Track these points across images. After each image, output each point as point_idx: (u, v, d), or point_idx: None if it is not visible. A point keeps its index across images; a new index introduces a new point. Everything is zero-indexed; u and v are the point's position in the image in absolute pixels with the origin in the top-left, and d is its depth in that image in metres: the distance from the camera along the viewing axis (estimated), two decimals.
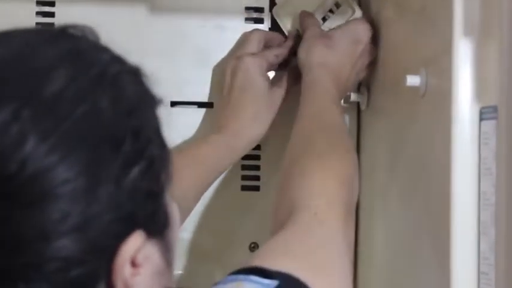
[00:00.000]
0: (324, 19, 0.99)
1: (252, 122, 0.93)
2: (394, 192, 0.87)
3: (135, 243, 0.52)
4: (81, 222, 0.49)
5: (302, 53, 0.93)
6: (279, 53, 0.96)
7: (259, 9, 1.01)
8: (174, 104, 0.99)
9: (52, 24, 0.98)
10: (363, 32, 0.93)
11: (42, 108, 0.50)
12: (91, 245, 0.50)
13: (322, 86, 0.89)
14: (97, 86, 0.52)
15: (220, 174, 0.95)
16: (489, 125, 0.67)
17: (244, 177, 1.01)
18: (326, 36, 0.93)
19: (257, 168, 1.01)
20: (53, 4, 0.99)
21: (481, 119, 0.68)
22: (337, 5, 0.99)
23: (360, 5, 0.98)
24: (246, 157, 0.99)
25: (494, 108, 0.66)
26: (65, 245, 0.49)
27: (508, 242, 0.64)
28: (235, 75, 0.94)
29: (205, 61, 1.00)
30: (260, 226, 1.00)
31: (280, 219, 0.75)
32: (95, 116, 0.51)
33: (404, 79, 0.76)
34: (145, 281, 0.53)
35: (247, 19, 1.00)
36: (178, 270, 0.99)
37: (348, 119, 1.00)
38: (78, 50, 0.54)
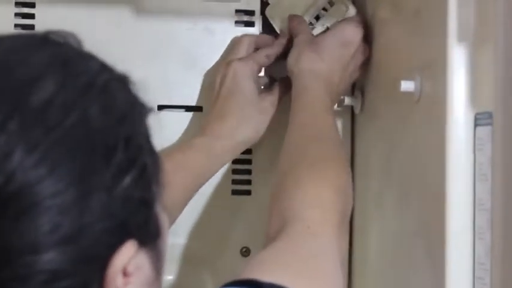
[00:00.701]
0: (318, 17, 0.99)
1: (237, 125, 0.93)
2: (389, 197, 0.87)
3: (128, 253, 0.52)
4: (73, 233, 0.49)
5: (291, 60, 0.93)
6: (269, 53, 0.96)
7: (250, 12, 1.00)
8: (161, 107, 0.99)
9: (32, 26, 0.97)
10: (353, 33, 0.93)
11: (30, 118, 0.49)
12: (83, 255, 0.50)
13: (312, 93, 0.89)
14: (86, 94, 0.52)
15: (207, 180, 0.94)
16: (484, 131, 0.67)
17: (235, 182, 1.01)
18: (315, 42, 0.93)
19: (248, 172, 1.01)
20: (33, 5, 0.98)
21: (475, 125, 0.69)
22: (331, 3, 0.99)
23: (354, 4, 0.98)
24: (237, 161, 0.99)
25: (489, 114, 0.67)
26: (54, 257, 0.49)
27: (504, 247, 0.65)
28: (223, 81, 0.94)
29: (194, 64, 1.00)
30: (251, 231, 1.00)
31: (274, 230, 0.75)
32: (85, 124, 0.51)
33: (399, 84, 0.77)
34: None
35: (237, 22, 1.00)
36: (168, 275, 0.99)
37: (341, 123, 1.00)
38: (65, 57, 0.54)
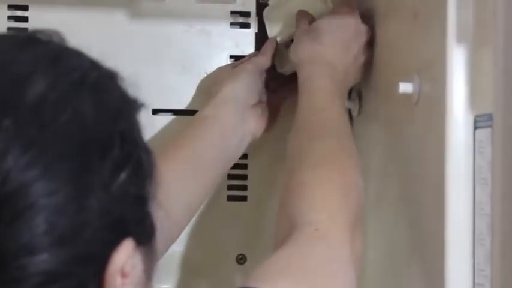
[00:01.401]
0: None
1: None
2: (387, 201, 0.87)
3: (126, 251, 0.52)
4: (69, 232, 0.50)
5: (292, 52, 0.93)
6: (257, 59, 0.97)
7: (246, 14, 1.01)
8: (156, 111, 0.99)
9: (25, 29, 0.97)
10: (348, 14, 0.92)
11: (23, 116, 0.50)
12: (80, 255, 0.50)
13: (314, 83, 0.88)
14: (78, 90, 0.52)
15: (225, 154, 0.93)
16: (484, 134, 0.67)
17: (230, 187, 1.01)
18: (311, 29, 0.93)
19: (244, 177, 1.02)
20: (26, 8, 0.98)
21: (475, 128, 0.69)
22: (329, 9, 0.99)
23: None
24: (233, 166, 0.99)
25: (489, 116, 0.66)
26: (50, 257, 0.49)
27: (504, 253, 0.64)
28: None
29: (190, 67, 1.00)
30: (248, 237, 1.00)
31: (281, 237, 0.73)
32: (79, 121, 0.51)
33: (397, 86, 0.77)
34: None
35: (232, 24, 1.01)
36: (164, 284, 0.99)
37: None
38: (54, 54, 0.54)
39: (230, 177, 1.01)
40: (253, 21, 1.01)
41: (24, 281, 0.49)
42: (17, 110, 0.50)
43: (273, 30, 1.00)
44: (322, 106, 0.86)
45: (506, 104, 0.65)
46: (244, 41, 1.02)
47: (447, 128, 0.69)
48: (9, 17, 0.98)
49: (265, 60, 0.97)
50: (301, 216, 0.74)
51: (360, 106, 0.97)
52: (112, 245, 0.52)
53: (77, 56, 0.55)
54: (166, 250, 0.85)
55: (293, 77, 0.93)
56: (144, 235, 0.55)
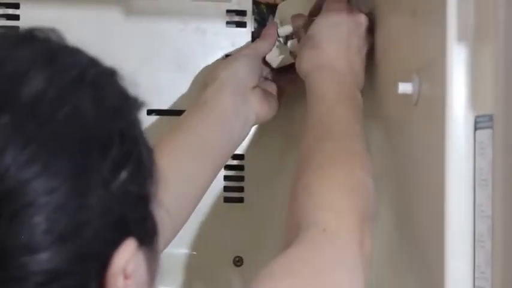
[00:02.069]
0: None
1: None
2: (386, 203, 0.87)
3: (129, 251, 0.52)
4: (70, 231, 0.50)
5: (297, 65, 0.93)
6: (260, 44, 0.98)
7: (242, 13, 1.01)
8: (151, 112, 1.00)
9: (17, 28, 0.97)
10: (341, 8, 0.92)
11: (22, 113, 0.50)
12: (81, 254, 0.50)
13: (319, 90, 0.88)
14: (77, 87, 0.52)
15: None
16: (485, 135, 0.67)
17: (227, 189, 1.01)
18: (308, 38, 0.93)
19: (241, 179, 1.02)
20: (17, 6, 0.98)
21: (476, 128, 0.69)
22: None
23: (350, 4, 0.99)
24: (229, 167, 0.99)
25: (490, 117, 0.66)
26: (51, 256, 0.49)
27: (505, 255, 0.64)
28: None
29: (185, 66, 1.00)
30: (244, 240, 1.00)
31: (289, 239, 0.73)
32: (78, 118, 0.51)
33: (396, 86, 0.77)
34: None
35: (228, 22, 1.01)
36: (160, 286, 0.98)
37: None
38: (52, 51, 0.54)
39: (226, 178, 1.01)
40: (249, 20, 1.01)
41: (25, 280, 0.49)
42: (15, 106, 0.50)
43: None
44: (327, 111, 0.86)
45: (507, 105, 0.65)
46: (240, 40, 1.02)
47: (447, 128, 0.69)
48: (0, 15, 0.98)
49: (265, 45, 0.98)
50: (308, 216, 0.74)
51: None
52: (113, 244, 0.52)
53: (76, 53, 0.55)
54: (166, 246, 0.85)
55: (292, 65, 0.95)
56: (147, 235, 0.55)
